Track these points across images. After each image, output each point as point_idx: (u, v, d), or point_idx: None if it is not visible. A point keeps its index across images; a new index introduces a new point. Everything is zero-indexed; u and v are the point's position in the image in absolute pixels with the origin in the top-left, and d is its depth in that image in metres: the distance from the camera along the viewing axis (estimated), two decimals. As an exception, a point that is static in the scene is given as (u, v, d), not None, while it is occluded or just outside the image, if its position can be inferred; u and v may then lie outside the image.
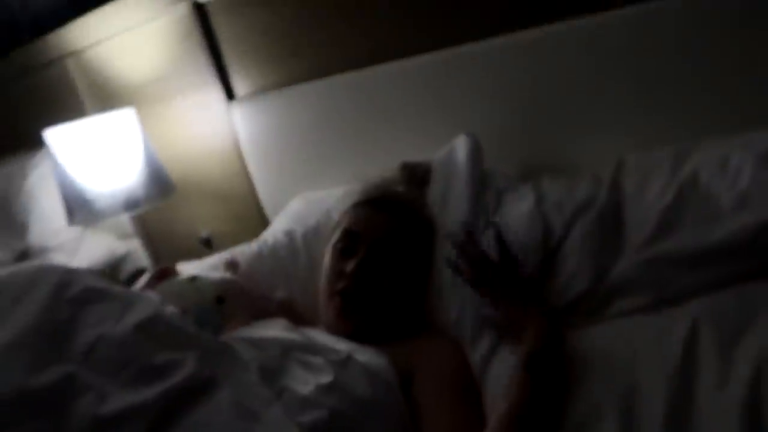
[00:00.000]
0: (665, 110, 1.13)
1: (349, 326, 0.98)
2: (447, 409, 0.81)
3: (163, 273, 1.21)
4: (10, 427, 0.59)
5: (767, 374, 0.61)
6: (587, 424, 0.67)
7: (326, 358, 0.83)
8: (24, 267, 0.80)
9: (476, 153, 1.10)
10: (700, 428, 0.61)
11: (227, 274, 1.28)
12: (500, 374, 0.83)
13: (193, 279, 1.19)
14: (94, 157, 1.61)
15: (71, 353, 0.68)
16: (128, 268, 2.19)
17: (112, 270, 2.15)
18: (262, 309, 1.19)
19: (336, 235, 1.07)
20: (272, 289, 1.28)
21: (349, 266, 0.99)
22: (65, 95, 2.16)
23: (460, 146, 1.11)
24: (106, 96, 2.07)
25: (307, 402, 0.74)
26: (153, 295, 0.83)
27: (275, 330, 0.95)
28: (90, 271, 0.82)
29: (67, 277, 0.77)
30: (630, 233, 0.85)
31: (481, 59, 1.28)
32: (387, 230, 1.02)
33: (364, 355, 0.86)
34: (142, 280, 1.27)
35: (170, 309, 0.80)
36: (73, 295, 0.75)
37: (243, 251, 1.38)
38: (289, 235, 1.35)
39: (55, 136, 1.61)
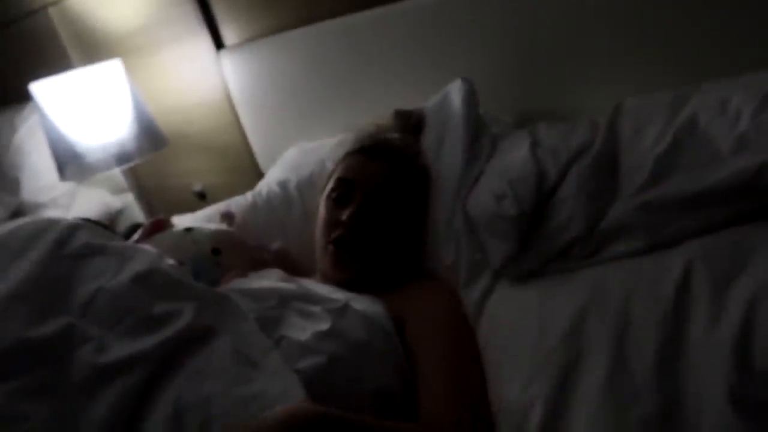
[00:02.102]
0: (665, 54, 1.10)
1: (345, 275, 0.99)
2: (441, 353, 0.83)
3: (158, 224, 1.21)
4: (11, 377, 0.59)
5: (759, 314, 0.61)
6: (577, 365, 0.68)
7: (324, 306, 0.84)
8: (27, 221, 0.80)
9: (471, 98, 1.08)
10: (691, 369, 0.62)
11: (223, 226, 1.28)
12: (495, 316, 0.85)
13: (189, 230, 1.18)
14: (82, 110, 1.58)
15: (70, 306, 0.69)
16: (124, 223, 2.19)
17: (108, 225, 2.14)
18: (258, 259, 1.19)
19: (330, 185, 1.07)
20: (268, 239, 1.28)
21: (344, 215, 0.98)
22: (49, 46, 2.11)
23: (455, 91, 1.09)
24: (92, 47, 2.02)
25: (306, 349, 0.75)
26: (150, 248, 0.83)
27: (271, 280, 0.96)
28: (90, 227, 0.82)
29: (67, 232, 0.77)
30: (626, 178, 0.84)
31: (476, 2, 1.24)
32: (381, 178, 1.02)
33: (361, 303, 0.87)
34: (139, 234, 1.27)
35: (167, 261, 0.81)
36: (73, 251, 0.75)
37: (238, 202, 1.38)
38: (284, 185, 1.35)
39: (41, 89, 1.57)
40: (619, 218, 0.80)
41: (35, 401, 0.59)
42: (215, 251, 1.15)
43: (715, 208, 0.73)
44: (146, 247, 0.85)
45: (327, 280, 1.01)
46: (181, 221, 1.32)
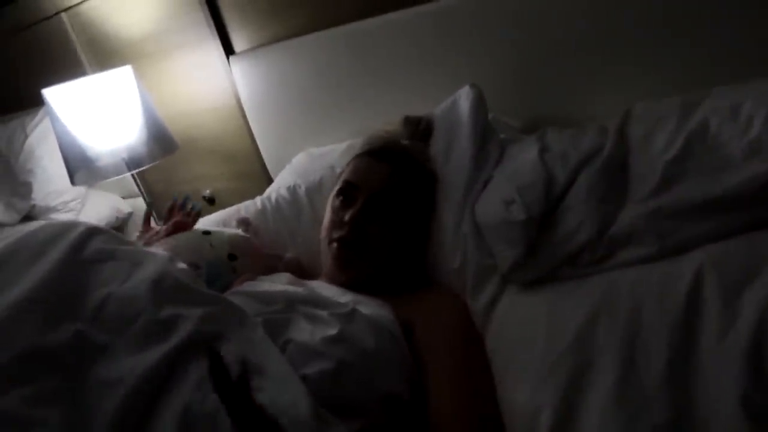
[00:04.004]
0: (674, 59, 1.10)
1: (347, 274, 0.99)
2: (450, 361, 0.82)
3: (178, 227, 1.21)
4: (25, 382, 0.60)
5: (770, 322, 0.61)
6: (587, 372, 0.68)
7: (331, 311, 0.84)
8: (43, 226, 0.81)
9: (479, 104, 1.08)
10: (703, 376, 0.62)
11: (239, 231, 1.28)
12: (503, 321, 0.84)
13: (207, 233, 1.18)
14: (94, 115, 1.59)
15: (82, 312, 0.69)
16: (133, 227, 2.21)
17: (118, 229, 2.16)
18: (270, 267, 1.19)
19: (337, 185, 1.07)
20: (277, 244, 1.28)
21: (347, 216, 0.99)
22: (63, 51, 2.13)
23: (464, 97, 1.10)
24: (104, 52, 2.04)
25: (313, 353, 0.75)
26: (162, 252, 0.83)
27: (280, 284, 0.96)
28: (106, 231, 0.83)
29: (82, 237, 0.78)
30: (635, 184, 0.84)
31: (484, 8, 1.24)
32: (385, 181, 1.02)
33: (368, 308, 0.87)
34: (154, 226, 1.27)
35: (179, 266, 0.81)
36: (87, 256, 0.76)
37: (247, 207, 1.38)
38: (293, 190, 1.35)
39: (54, 95, 1.59)
40: (629, 224, 0.79)
41: (47, 406, 0.59)
42: (231, 257, 1.15)
43: (727, 215, 0.73)
44: (157, 250, 0.85)
45: (332, 280, 1.01)
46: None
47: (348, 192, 1.04)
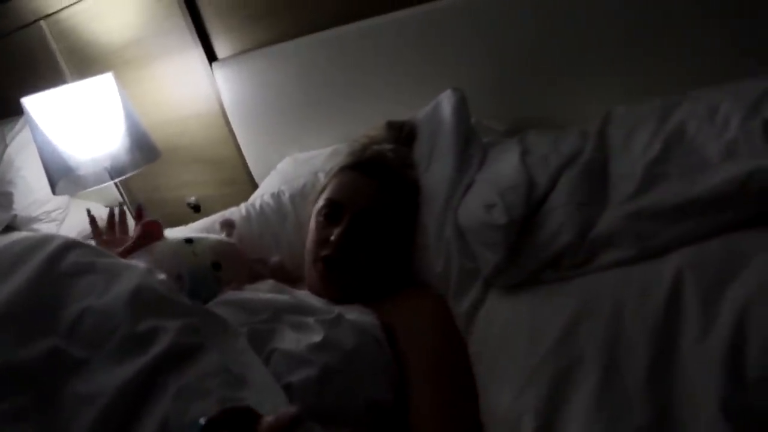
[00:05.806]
0: (654, 63, 1.11)
1: (332, 290, 0.99)
2: (428, 365, 0.82)
3: (150, 227, 1.16)
4: None
5: (750, 323, 0.61)
6: (569, 375, 0.68)
7: (317, 317, 0.83)
8: (20, 238, 0.79)
9: (462, 108, 1.08)
10: (683, 379, 0.62)
11: (223, 235, 1.26)
12: (485, 325, 0.84)
13: (190, 241, 1.15)
14: (74, 124, 1.58)
15: (58, 326, 0.68)
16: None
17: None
18: (255, 272, 1.18)
19: (320, 202, 1.06)
20: (261, 251, 1.27)
21: (333, 235, 0.98)
22: (42, 59, 2.11)
23: (446, 101, 1.10)
24: (85, 60, 2.02)
25: (299, 361, 0.74)
26: (140, 264, 0.82)
27: (265, 291, 0.95)
28: (83, 245, 0.81)
29: (59, 250, 0.76)
30: (615, 186, 0.84)
31: (466, 12, 1.24)
32: (372, 198, 1.01)
33: (352, 314, 0.87)
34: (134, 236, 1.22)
35: (158, 278, 0.79)
36: (63, 269, 0.74)
37: (232, 214, 1.37)
38: (277, 196, 1.34)
39: (33, 104, 1.57)
40: (609, 227, 0.79)
41: (18, 424, 0.58)
42: (216, 265, 1.12)
43: (705, 218, 0.73)
44: (135, 262, 0.84)
45: (315, 293, 1.00)
46: (173, 233, 1.30)
47: (331, 209, 1.02)
